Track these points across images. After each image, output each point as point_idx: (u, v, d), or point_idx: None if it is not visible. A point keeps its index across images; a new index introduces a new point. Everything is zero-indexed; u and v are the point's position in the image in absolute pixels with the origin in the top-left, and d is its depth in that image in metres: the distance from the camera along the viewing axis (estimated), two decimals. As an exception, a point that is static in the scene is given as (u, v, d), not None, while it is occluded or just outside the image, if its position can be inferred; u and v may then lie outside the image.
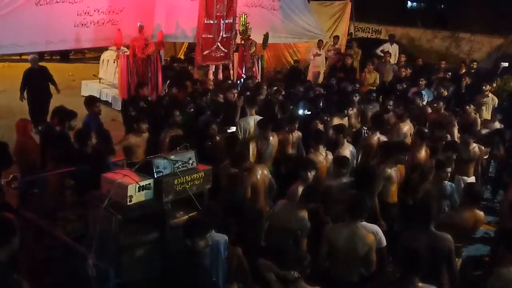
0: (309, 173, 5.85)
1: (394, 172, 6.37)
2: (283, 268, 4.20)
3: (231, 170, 6.14)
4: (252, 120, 7.73)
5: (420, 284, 4.03)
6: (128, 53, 11.52)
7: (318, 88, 10.58)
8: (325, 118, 8.04)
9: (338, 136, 7.19)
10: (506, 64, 14.01)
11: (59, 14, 10.08)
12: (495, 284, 4.23)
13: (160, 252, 4.87)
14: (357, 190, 5.78)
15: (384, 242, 5.06)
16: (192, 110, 8.20)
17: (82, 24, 10.47)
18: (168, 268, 4.24)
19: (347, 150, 7.11)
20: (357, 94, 9.43)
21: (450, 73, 12.62)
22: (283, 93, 9.79)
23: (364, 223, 5.01)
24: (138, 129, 7.07)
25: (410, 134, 8.09)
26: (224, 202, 5.70)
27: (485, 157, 8.13)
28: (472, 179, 7.40)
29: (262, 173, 6.24)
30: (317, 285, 4.25)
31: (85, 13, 10.46)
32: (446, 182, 6.36)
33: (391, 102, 9.08)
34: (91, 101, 8.06)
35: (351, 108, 8.60)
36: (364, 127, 8.89)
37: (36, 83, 10.36)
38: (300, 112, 8.73)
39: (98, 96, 12.07)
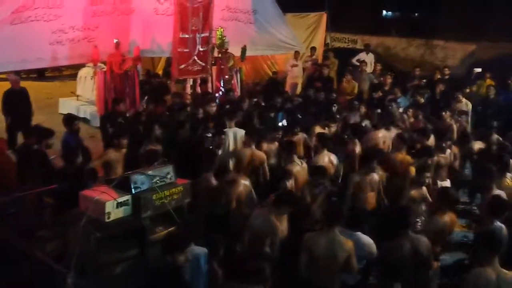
0: (287, 182, 5.92)
1: (367, 179, 6.43)
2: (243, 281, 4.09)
3: (212, 183, 6.15)
4: (231, 132, 7.76)
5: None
6: (105, 69, 11.50)
7: (297, 99, 10.69)
8: (296, 130, 8.04)
9: (318, 143, 7.27)
10: (479, 70, 14.28)
11: (34, 32, 10.02)
12: (474, 284, 4.31)
13: (140, 268, 4.85)
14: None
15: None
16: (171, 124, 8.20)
17: (58, 42, 10.42)
18: (149, 284, 4.22)
19: (326, 158, 7.17)
20: (335, 104, 9.58)
21: (425, 80, 12.84)
22: (263, 104, 9.87)
23: (359, 233, 5.13)
24: (118, 145, 7.02)
25: (384, 141, 8.22)
26: (205, 215, 5.72)
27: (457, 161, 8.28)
28: (447, 183, 7.52)
29: (244, 185, 6.27)
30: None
31: (59, 31, 10.41)
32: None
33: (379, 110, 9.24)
34: (70, 120, 8.02)
35: (332, 123, 8.68)
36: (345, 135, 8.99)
37: (17, 104, 9.90)
38: (279, 123, 8.81)
39: (76, 113, 11.95)
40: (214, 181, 6.26)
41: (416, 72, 13.68)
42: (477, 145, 8.12)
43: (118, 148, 7.03)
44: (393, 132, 8.45)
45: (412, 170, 6.85)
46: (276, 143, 7.68)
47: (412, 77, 13.36)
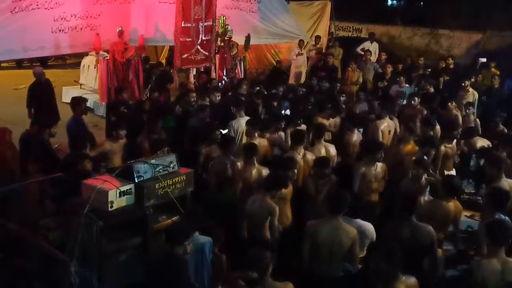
0: (293, 171, 5.93)
1: (372, 170, 6.40)
2: (243, 269, 4.15)
3: (226, 167, 6.18)
4: (243, 121, 7.70)
5: (404, 278, 4.04)
6: (108, 57, 11.44)
7: (301, 89, 10.60)
8: (298, 122, 7.93)
9: (315, 134, 7.23)
10: (484, 60, 14.16)
11: (35, 20, 9.97)
12: (479, 275, 4.28)
13: (143, 257, 4.83)
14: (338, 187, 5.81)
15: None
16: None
17: (60, 30, 10.37)
18: (150, 274, 4.21)
19: (323, 149, 7.10)
20: (343, 95, 9.55)
21: (429, 70, 12.73)
22: (265, 93, 9.80)
23: (359, 220, 5.13)
24: (116, 136, 7.01)
25: (389, 131, 8.16)
26: (210, 203, 5.71)
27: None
28: (453, 172, 7.47)
29: (258, 172, 6.22)
30: (300, 282, 4.23)
31: (61, 19, 10.35)
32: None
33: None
34: (78, 101, 7.97)
35: (337, 113, 8.60)
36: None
37: (44, 96, 9.54)
38: (282, 112, 8.75)
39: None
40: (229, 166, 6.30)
41: (420, 61, 13.58)
42: (480, 142, 7.98)
43: (116, 139, 7.01)
44: (397, 121, 8.39)
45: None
46: (281, 133, 7.61)
47: (417, 66, 13.26)
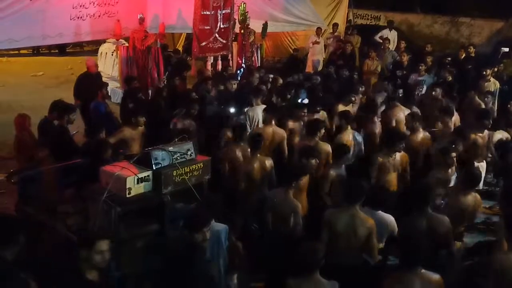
0: (312, 161, 5.89)
1: (390, 160, 6.33)
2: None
3: (238, 155, 6.19)
4: (260, 109, 7.67)
5: (423, 271, 4.01)
6: (127, 45, 11.46)
7: (315, 77, 10.49)
8: (318, 108, 7.89)
9: (342, 121, 7.17)
10: (506, 49, 13.90)
11: (54, 7, 10.06)
12: (498, 269, 4.22)
13: (160, 244, 4.86)
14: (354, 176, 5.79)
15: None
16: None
17: (78, 17, 10.45)
18: (168, 261, 4.23)
19: (350, 135, 7.06)
20: (362, 86, 9.44)
21: (449, 58, 12.48)
22: (281, 81, 9.75)
23: (380, 212, 5.11)
24: (135, 122, 7.00)
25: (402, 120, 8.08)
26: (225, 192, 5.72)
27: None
28: (483, 164, 7.40)
29: (260, 164, 6.19)
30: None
31: (80, 6, 10.44)
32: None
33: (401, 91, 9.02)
34: (100, 85, 8.13)
35: (355, 96, 8.54)
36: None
37: (91, 88, 8.94)
38: (299, 100, 8.69)
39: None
40: (240, 154, 6.31)
41: (427, 48, 13.39)
42: (499, 134, 7.81)
43: (135, 126, 7.00)
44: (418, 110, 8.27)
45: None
46: (301, 122, 7.57)
47: (426, 53, 12.97)
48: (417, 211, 4.99)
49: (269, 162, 6.22)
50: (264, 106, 7.69)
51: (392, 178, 6.38)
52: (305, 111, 7.55)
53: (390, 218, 5.18)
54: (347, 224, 4.80)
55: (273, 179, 6.22)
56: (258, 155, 6.23)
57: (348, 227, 4.79)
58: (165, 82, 10.68)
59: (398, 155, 6.42)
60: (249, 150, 6.31)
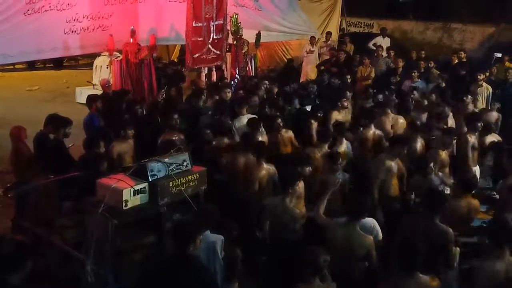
0: (306, 169, 5.91)
1: (394, 164, 6.38)
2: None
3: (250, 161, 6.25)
4: (246, 119, 7.71)
5: (421, 276, 4.02)
6: (120, 58, 11.50)
7: (312, 85, 10.56)
8: (319, 114, 8.00)
9: (336, 134, 7.19)
10: (499, 55, 14.00)
11: (48, 22, 10.06)
12: (481, 278, 4.23)
13: (157, 255, 4.86)
14: (355, 185, 5.79)
15: (380, 235, 5.08)
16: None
17: (72, 31, 10.46)
18: (164, 272, 4.19)
19: (344, 146, 7.10)
20: (350, 90, 9.50)
21: (433, 64, 12.49)
22: (276, 91, 9.80)
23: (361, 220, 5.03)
24: (124, 135, 6.92)
25: (392, 126, 8.14)
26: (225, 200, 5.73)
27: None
28: (476, 168, 7.45)
29: (267, 169, 6.25)
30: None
31: (74, 20, 10.45)
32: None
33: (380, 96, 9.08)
34: (94, 98, 8.12)
35: (345, 100, 8.61)
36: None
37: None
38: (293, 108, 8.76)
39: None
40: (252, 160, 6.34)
41: (421, 54, 13.50)
42: (491, 137, 7.87)
43: (124, 139, 6.91)
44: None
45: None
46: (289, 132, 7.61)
47: (418, 59, 13.05)
48: (421, 217, 4.97)
49: (273, 168, 6.27)
50: (250, 116, 7.73)
51: (394, 183, 6.42)
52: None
53: (372, 222, 5.16)
54: (344, 241, 4.77)
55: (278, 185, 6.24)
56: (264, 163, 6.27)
57: (346, 245, 4.76)
58: (163, 96, 10.67)
59: (399, 161, 6.47)
60: (252, 157, 6.34)
